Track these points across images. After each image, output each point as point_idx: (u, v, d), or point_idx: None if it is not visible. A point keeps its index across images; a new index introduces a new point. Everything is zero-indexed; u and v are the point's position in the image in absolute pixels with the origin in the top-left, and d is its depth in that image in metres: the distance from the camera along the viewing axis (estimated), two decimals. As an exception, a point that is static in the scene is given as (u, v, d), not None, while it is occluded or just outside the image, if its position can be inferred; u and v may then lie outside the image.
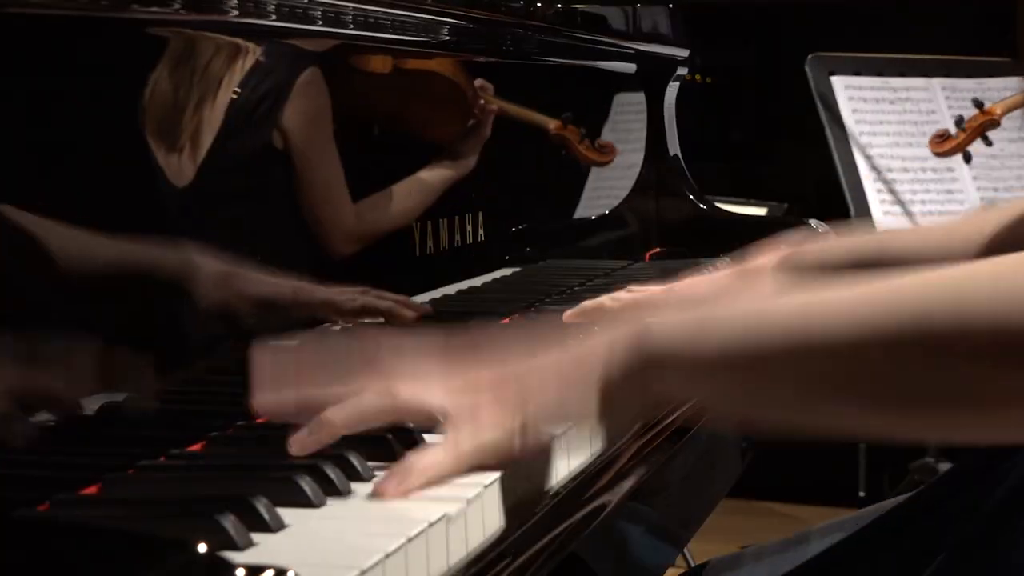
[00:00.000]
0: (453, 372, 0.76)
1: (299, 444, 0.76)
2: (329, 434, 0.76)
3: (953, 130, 2.34)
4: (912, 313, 0.62)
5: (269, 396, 0.78)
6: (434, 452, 0.74)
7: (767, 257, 1.12)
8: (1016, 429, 0.63)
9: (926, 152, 2.41)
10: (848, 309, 0.65)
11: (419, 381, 0.76)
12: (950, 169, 2.40)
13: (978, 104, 2.34)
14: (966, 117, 2.35)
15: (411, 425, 0.80)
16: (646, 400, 0.74)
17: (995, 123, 2.33)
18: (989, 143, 2.36)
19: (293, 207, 1.06)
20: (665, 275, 1.43)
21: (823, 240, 1.13)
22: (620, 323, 0.75)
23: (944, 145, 2.35)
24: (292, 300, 1.02)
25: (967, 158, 2.37)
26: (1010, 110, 2.32)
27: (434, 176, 1.30)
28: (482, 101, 1.37)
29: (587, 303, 1.18)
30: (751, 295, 0.85)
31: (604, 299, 1.20)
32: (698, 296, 1.10)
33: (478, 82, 1.37)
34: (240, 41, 0.96)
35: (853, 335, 0.64)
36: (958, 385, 0.61)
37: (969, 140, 2.35)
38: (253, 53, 0.98)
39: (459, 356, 0.77)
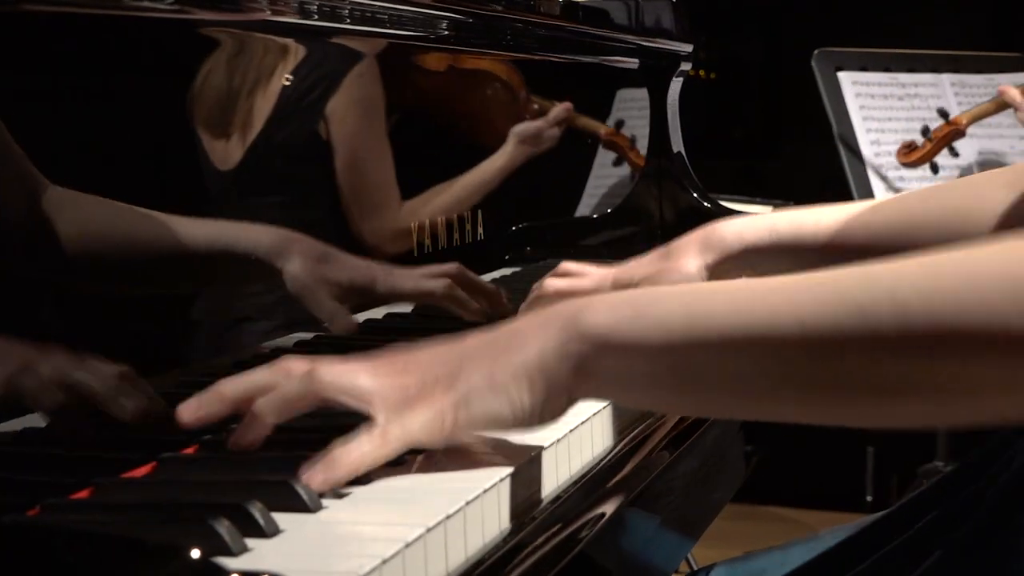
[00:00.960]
0: (378, 360, 0.75)
1: (235, 441, 0.76)
2: (261, 424, 0.75)
3: (920, 140, 2.37)
4: (854, 305, 0.63)
5: (194, 406, 0.77)
6: (359, 442, 0.72)
7: (690, 237, 1.14)
8: (957, 414, 0.66)
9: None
10: (787, 299, 0.66)
11: (343, 365, 0.75)
12: (958, 167, 2.39)
13: (943, 114, 2.38)
14: (932, 127, 2.38)
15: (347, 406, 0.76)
16: (576, 382, 0.72)
17: (961, 133, 2.37)
18: (956, 154, 2.39)
19: (296, 204, 1.06)
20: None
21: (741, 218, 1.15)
22: (554, 305, 0.74)
23: (911, 155, 2.37)
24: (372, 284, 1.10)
25: (934, 168, 2.39)
26: (976, 119, 2.35)
27: (481, 176, 1.32)
28: (536, 105, 1.38)
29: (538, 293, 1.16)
30: (687, 283, 0.85)
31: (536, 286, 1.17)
32: (632, 280, 1.12)
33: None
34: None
35: (794, 325, 0.65)
36: (895, 376, 0.63)
37: (936, 150, 2.37)
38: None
39: (385, 355, 0.76)
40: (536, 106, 1.40)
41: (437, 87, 1.26)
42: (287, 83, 1.01)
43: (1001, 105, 2.31)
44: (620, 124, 1.64)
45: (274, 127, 0.99)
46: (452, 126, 1.29)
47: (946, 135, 2.35)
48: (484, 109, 1.35)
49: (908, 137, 2.40)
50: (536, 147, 1.40)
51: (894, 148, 2.40)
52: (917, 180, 2.37)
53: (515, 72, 1.36)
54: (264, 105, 0.98)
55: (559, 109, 1.43)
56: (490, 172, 1.33)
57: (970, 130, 2.36)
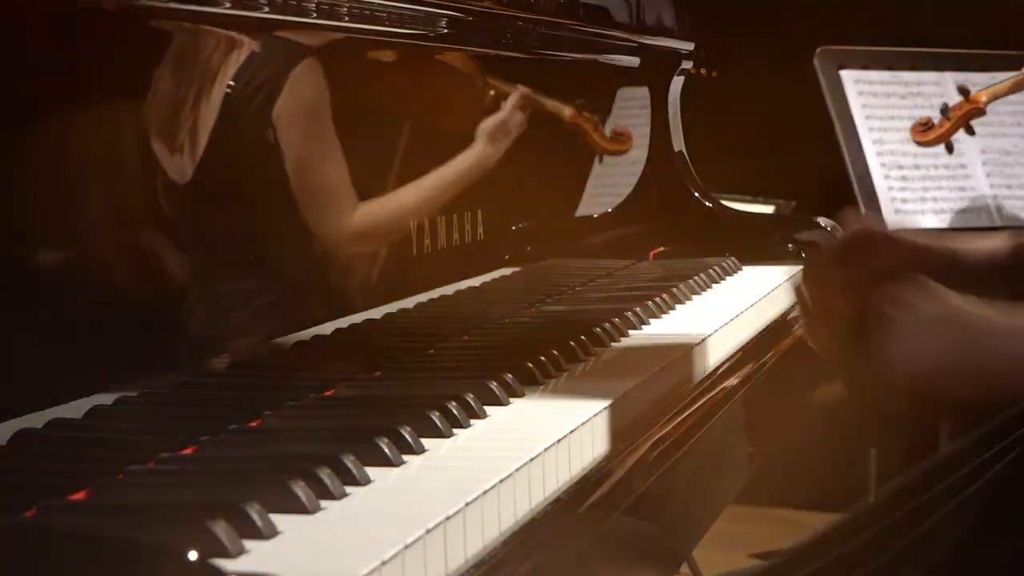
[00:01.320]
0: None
1: None
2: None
3: (937, 118, 2.32)
4: None
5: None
6: None
7: None
8: None
9: (938, 148, 2.38)
10: None
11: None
12: (963, 166, 2.37)
13: (963, 92, 2.32)
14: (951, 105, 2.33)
15: None
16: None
17: (980, 111, 2.31)
18: (972, 132, 2.34)
19: (294, 203, 1.05)
20: (669, 275, 1.41)
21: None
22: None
23: (928, 134, 2.32)
24: None
25: (949, 148, 2.35)
26: (996, 98, 2.30)
27: (449, 172, 1.30)
28: (492, 92, 1.36)
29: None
30: None
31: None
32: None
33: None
34: (234, 34, 0.95)
35: None
36: None
37: (953, 129, 2.32)
38: (250, 46, 0.97)
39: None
40: (493, 92, 1.38)
41: (408, 86, 1.24)
42: (237, 82, 0.99)
43: (1021, 84, 2.27)
44: (583, 106, 1.62)
45: (223, 127, 0.98)
46: (422, 125, 1.27)
47: (965, 113, 2.30)
48: (448, 106, 1.33)
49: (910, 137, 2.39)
50: (506, 138, 1.39)
51: (897, 147, 2.38)
52: (920, 179, 2.36)
53: (473, 64, 1.35)
54: (213, 104, 0.97)
55: (516, 96, 1.41)
56: (460, 171, 1.32)
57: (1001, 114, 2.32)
